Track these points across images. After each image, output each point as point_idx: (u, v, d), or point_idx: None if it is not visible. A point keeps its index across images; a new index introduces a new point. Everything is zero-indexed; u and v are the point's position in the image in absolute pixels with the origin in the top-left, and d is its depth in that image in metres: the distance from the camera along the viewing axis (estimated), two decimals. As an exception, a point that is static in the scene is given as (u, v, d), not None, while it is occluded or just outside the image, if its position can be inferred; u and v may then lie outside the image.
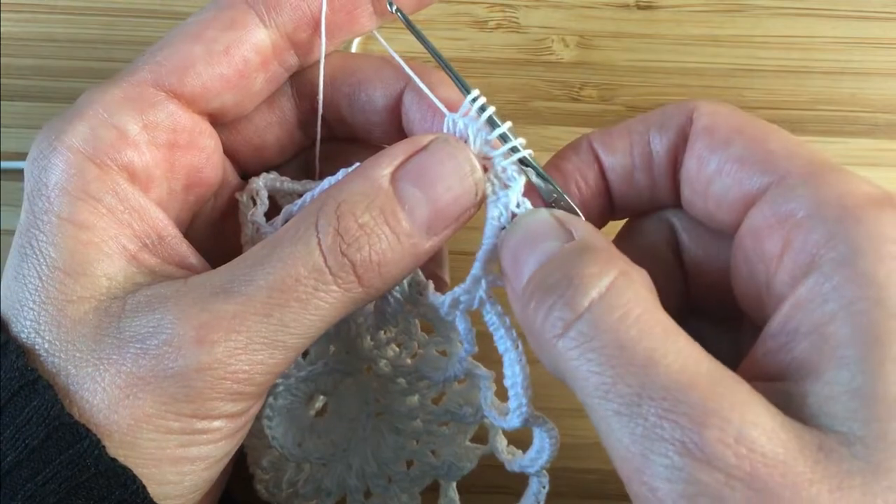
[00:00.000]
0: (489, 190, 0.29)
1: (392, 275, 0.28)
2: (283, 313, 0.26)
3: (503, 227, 0.29)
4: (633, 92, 0.42)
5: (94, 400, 0.26)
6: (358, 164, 0.29)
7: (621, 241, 0.32)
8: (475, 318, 0.31)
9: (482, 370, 0.32)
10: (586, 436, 0.39)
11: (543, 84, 0.43)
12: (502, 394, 0.31)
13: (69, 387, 0.26)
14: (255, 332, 0.26)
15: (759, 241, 0.26)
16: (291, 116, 0.33)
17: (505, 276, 0.28)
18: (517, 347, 0.30)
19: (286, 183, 0.33)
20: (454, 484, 0.35)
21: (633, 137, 0.30)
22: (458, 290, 0.30)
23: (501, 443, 0.34)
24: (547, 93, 0.43)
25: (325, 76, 0.32)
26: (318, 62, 0.32)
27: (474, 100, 0.29)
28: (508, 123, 0.29)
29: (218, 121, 0.31)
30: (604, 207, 0.31)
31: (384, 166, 0.28)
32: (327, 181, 0.31)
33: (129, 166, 0.28)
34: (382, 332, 0.33)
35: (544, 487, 0.32)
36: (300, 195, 0.32)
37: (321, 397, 0.36)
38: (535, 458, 0.32)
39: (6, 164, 0.42)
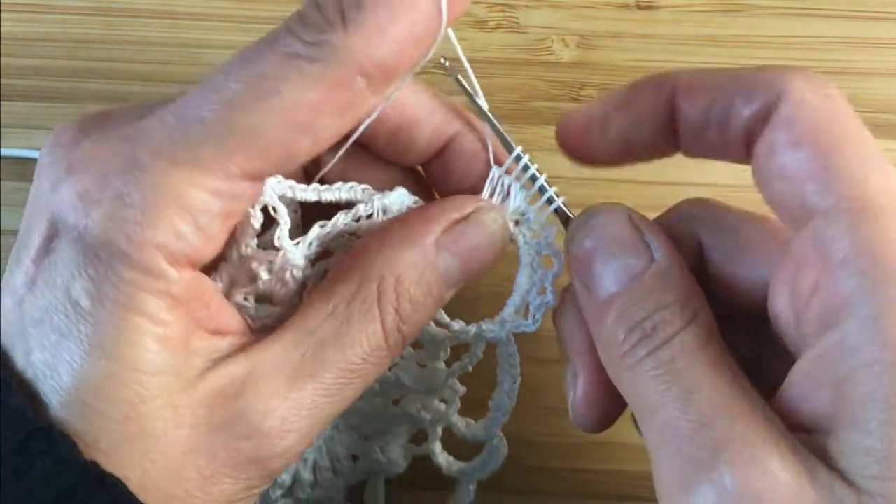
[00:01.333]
0: (521, 241, 0.31)
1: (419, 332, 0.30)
2: (346, 391, 0.27)
3: (534, 276, 0.31)
4: (633, 92, 0.42)
5: (174, 491, 0.25)
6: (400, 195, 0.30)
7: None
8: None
9: (458, 386, 0.34)
10: (583, 435, 0.39)
11: (543, 84, 0.43)
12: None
13: (145, 483, 0.25)
14: (323, 411, 0.27)
15: (795, 273, 0.26)
16: None
17: (575, 272, 0.28)
18: (515, 382, 0.32)
19: (297, 190, 0.29)
20: (383, 478, 0.38)
21: (717, 97, 0.28)
22: (484, 326, 0.32)
23: (438, 446, 0.36)
24: (547, 93, 0.43)
25: None
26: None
27: (518, 158, 0.30)
28: (544, 175, 0.30)
29: None
30: (665, 146, 0.30)
31: (431, 233, 0.28)
32: (376, 199, 0.30)
33: (203, 260, 0.26)
34: None
35: (472, 495, 0.36)
36: (314, 203, 0.31)
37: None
38: (481, 468, 0.35)
39: (6, 151, 0.42)
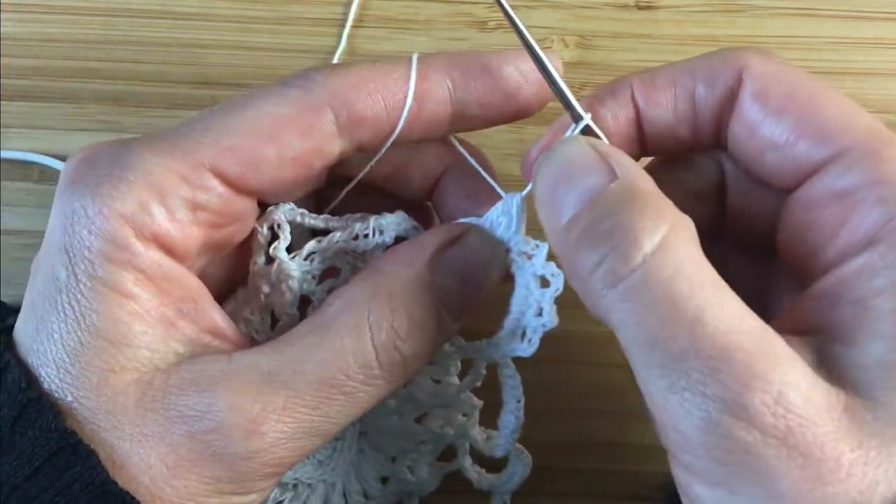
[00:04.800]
0: (515, 261, 0.30)
1: (426, 358, 0.29)
2: (329, 406, 0.27)
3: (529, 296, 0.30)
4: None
5: (139, 476, 0.25)
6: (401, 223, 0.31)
7: (664, 168, 0.32)
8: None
9: (474, 400, 0.34)
10: (586, 435, 0.39)
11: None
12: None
13: (113, 458, 0.25)
14: (301, 423, 0.27)
15: (814, 213, 0.27)
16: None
17: (541, 208, 0.27)
18: (519, 401, 0.32)
19: (307, 217, 0.31)
20: (417, 499, 0.37)
21: (678, 92, 0.29)
22: (481, 347, 0.32)
23: (468, 461, 0.36)
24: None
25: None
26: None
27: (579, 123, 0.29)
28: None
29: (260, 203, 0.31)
30: (633, 151, 0.31)
31: (424, 256, 0.29)
32: (372, 220, 0.31)
33: (171, 243, 0.27)
34: None
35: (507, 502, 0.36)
36: (322, 230, 0.32)
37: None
38: (507, 481, 0.35)
39: (6, 154, 0.42)
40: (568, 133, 0.29)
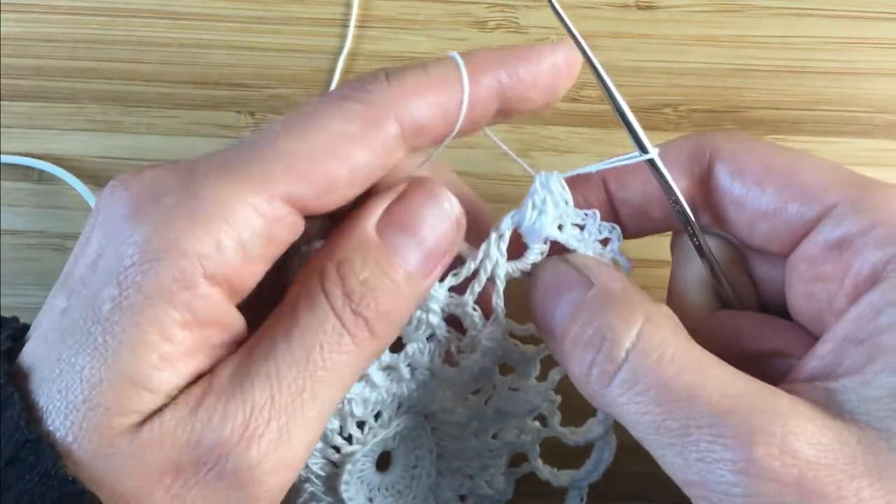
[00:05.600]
0: (573, 241, 0.30)
1: (400, 320, 0.29)
2: (313, 385, 0.26)
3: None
4: (633, 92, 0.42)
5: None
6: None
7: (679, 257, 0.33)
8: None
9: (553, 396, 0.34)
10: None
11: (543, 84, 0.43)
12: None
13: (116, 501, 0.24)
14: (292, 414, 0.26)
15: (816, 269, 0.28)
16: None
17: (537, 326, 0.30)
18: None
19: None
20: None
21: (648, 176, 0.31)
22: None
23: (539, 462, 0.36)
24: (547, 93, 0.43)
25: None
26: None
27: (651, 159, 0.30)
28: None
29: None
30: (646, 225, 0.33)
31: (369, 218, 0.28)
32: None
33: (238, 283, 0.26)
34: (464, 384, 0.34)
35: (582, 500, 0.36)
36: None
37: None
38: (592, 470, 0.35)
39: (6, 158, 0.42)
40: (633, 158, 0.30)
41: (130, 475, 0.25)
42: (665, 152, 0.31)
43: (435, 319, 0.31)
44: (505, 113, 0.30)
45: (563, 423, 0.35)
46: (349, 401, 0.31)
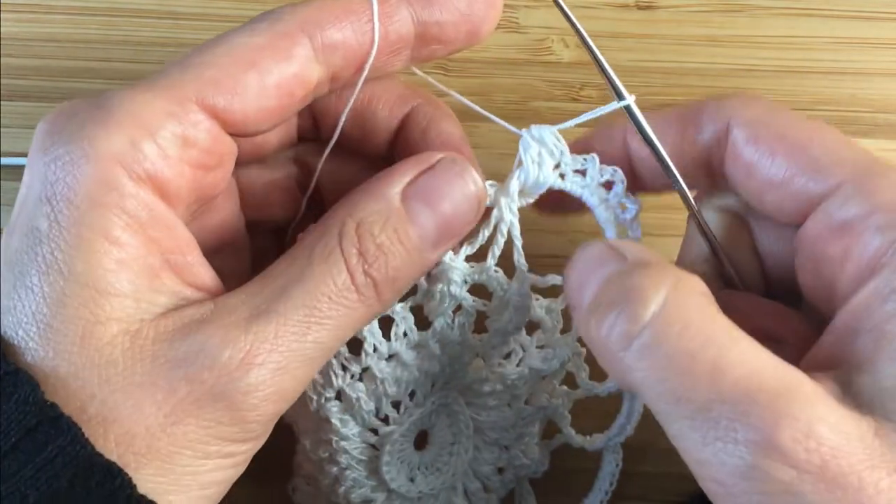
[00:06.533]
0: (577, 188, 0.31)
1: (403, 287, 0.29)
2: (318, 331, 0.27)
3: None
4: (633, 92, 0.42)
5: (134, 428, 0.25)
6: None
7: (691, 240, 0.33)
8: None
9: (579, 348, 0.34)
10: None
11: (543, 84, 0.43)
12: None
13: (104, 415, 0.25)
14: (294, 352, 0.27)
15: (820, 248, 0.28)
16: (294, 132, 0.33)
17: (571, 308, 0.29)
18: None
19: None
20: (527, 480, 0.38)
21: (667, 138, 0.31)
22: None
23: (571, 431, 0.36)
24: (547, 93, 0.43)
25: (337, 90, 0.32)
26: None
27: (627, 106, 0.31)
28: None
29: (247, 152, 0.31)
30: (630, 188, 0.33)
31: (395, 184, 0.29)
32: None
33: (163, 183, 0.27)
34: (495, 348, 0.34)
35: (618, 465, 0.36)
36: None
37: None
38: (624, 423, 0.35)
39: (6, 161, 0.42)
40: (609, 108, 0.31)
41: (121, 388, 0.25)
42: (683, 110, 0.31)
43: (458, 290, 0.32)
44: (426, 39, 0.30)
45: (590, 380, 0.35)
46: (382, 381, 0.32)
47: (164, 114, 0.26)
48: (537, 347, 0.34)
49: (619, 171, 0.32)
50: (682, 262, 0.33)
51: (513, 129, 0.31)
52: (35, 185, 0.26)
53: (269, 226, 0.35)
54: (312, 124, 0.33)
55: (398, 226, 0.28)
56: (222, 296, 0.27)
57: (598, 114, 0.31)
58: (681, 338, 0.25)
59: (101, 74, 0.43)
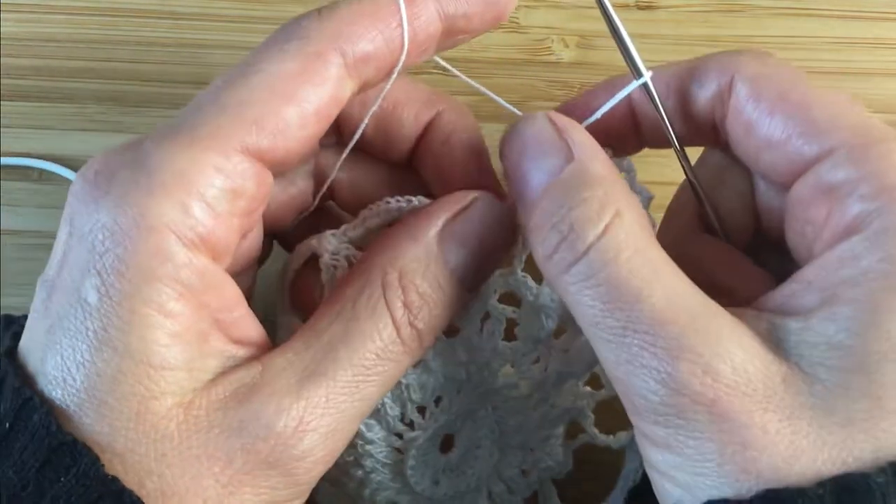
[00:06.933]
0: None
1: (442, 328, 0.30)
2: (366, 389, 0.27)
3: None
4: (633, 92, 0.42)
5: (193, 501, 0.24)
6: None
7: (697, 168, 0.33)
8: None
9: None
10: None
11: (543, 84, 0.43)
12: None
13: (162, 489, 0.24)
14: (344, 412, 0.27)
15: (806, 209, 0.28)
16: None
17: (509, 184, 0.29)
18: None
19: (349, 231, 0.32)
20: (550, 480, 0.38)
21: (670, 90, 0.31)
22: None
23: (595, 431, 0.36)
24: (547, 93, 0.43)
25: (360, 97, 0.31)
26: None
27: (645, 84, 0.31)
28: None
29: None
30: (632, 143, 0.33)
31: (433, 227, 0.29)
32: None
33: (216, 243, 0.25)
34: (525, 355, 0.34)
35: (642, 463, 0.35)
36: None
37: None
38: None
39: (6, 161, 0.42)
40: (627, 89, 0.31)
41: (178, 462, 0.25)
42: (689, 63, 0.31)
43: (487, 298, 0.31)
44: (452, 32, 0.29)
45: None
46: (407, 386, 0.32)
47: (211, 170, 0.25)
48: (562, 351, 0.34)
49: (631, 162, 0.32)
50: (673, 202, 0.34)
51: (514, 109, 0.31)
52: (81, 252, 0.25)
53: (278, 231, 0.34)
54: (334, 130, 0.32)
55: (439, 272, 0.28)
56: (269, 355, 0.27)
57: (619, 98, 0.31)
58: (612, 268, 0.26)
59: (101, 74, 0.43)
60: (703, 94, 0.30)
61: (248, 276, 0.31)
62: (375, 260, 0.28)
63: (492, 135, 0.33)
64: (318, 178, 0.34)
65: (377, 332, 0.27)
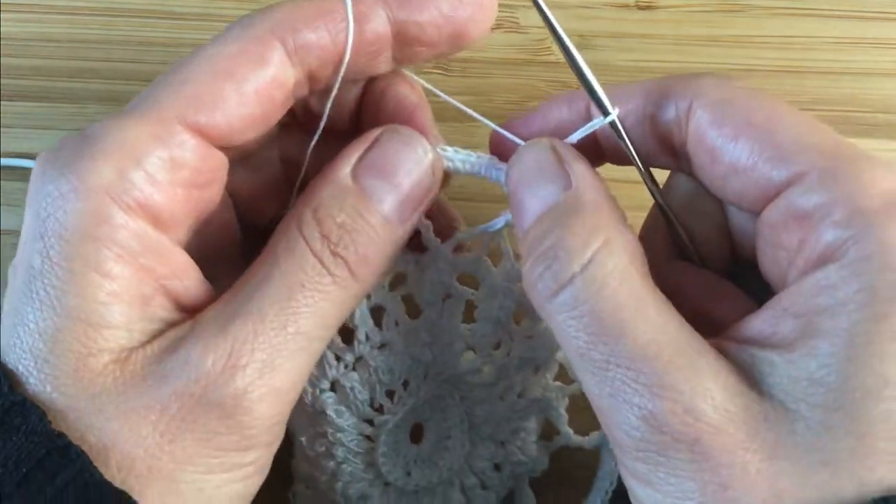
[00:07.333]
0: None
1: (379, 265, 0.29)
2: (297, 321, 0.27)
3: None
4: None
5: (133, 451, 0.25)
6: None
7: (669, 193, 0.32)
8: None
9: None
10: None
11: (543, 84, 0.43)
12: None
13: (103, 442, 0.25)
14: (277, 346, 0.27)
15: (778, 235, 0.27)
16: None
17: (511, 210, 0.29)
18: None
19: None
20: (527, 479, 0.38)
21: (630, 109, 0.30)
22: None
23: (570, 431, 0.37)
24: (547, 93, 0.43)
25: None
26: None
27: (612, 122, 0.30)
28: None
29: (233, 157, 0.31)
30: (591, 159, 0.31)
31: (344, 167, 0.29)
32: None
33: (156, 210, 0.27)
34: (484, 337, 0.34)
35: (616, 464, 0.35)
36: None
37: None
38: None
39: (6, 161, 0.42)
40: (594, 124, 0.30)
41: (116, 415, 0.25)
42: (649, 84, 0.30)
43: (446, 279, 0.32)
44: (407, 40, 0.29)
45: None
46: (375, 369, 0.33)
47: (149, 139, 0.26)
48: (525, 337, 0.34)
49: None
50: (643, 229, 0.33)
51: (490, 123, 0.31)
52: (29, 222, 0.26)
53: (261, 225, 0.35)
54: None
55: (357, 203, 0.28)
56: (201, 313, 0.27)
57: (586, 132, 0.30)
58: (596, 301, 0.26)
59: (101, 74, 0.43)
60: (662, 120, 0.30)
61: (233, 267, 0.31)
62: (295, 210, 0.29)
63: (483, 134, 0.33)
64: (287, 168, 0.34)
65: (298, 266, 0.27)
